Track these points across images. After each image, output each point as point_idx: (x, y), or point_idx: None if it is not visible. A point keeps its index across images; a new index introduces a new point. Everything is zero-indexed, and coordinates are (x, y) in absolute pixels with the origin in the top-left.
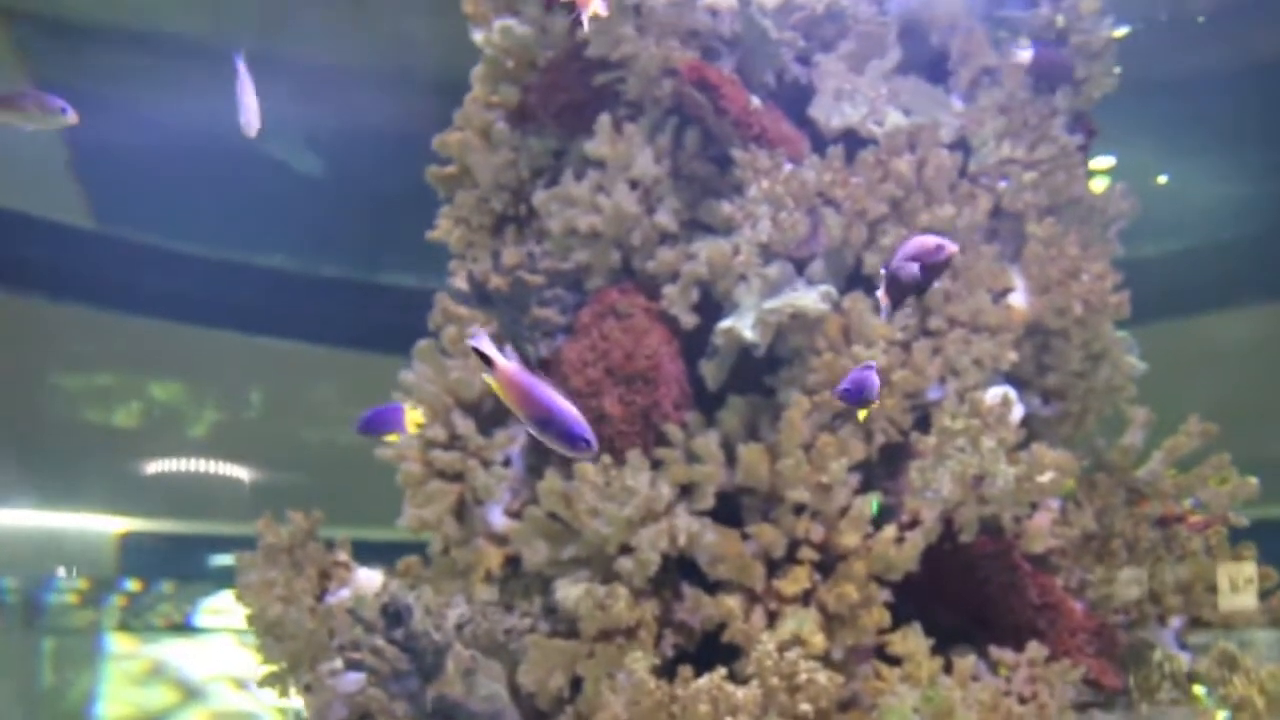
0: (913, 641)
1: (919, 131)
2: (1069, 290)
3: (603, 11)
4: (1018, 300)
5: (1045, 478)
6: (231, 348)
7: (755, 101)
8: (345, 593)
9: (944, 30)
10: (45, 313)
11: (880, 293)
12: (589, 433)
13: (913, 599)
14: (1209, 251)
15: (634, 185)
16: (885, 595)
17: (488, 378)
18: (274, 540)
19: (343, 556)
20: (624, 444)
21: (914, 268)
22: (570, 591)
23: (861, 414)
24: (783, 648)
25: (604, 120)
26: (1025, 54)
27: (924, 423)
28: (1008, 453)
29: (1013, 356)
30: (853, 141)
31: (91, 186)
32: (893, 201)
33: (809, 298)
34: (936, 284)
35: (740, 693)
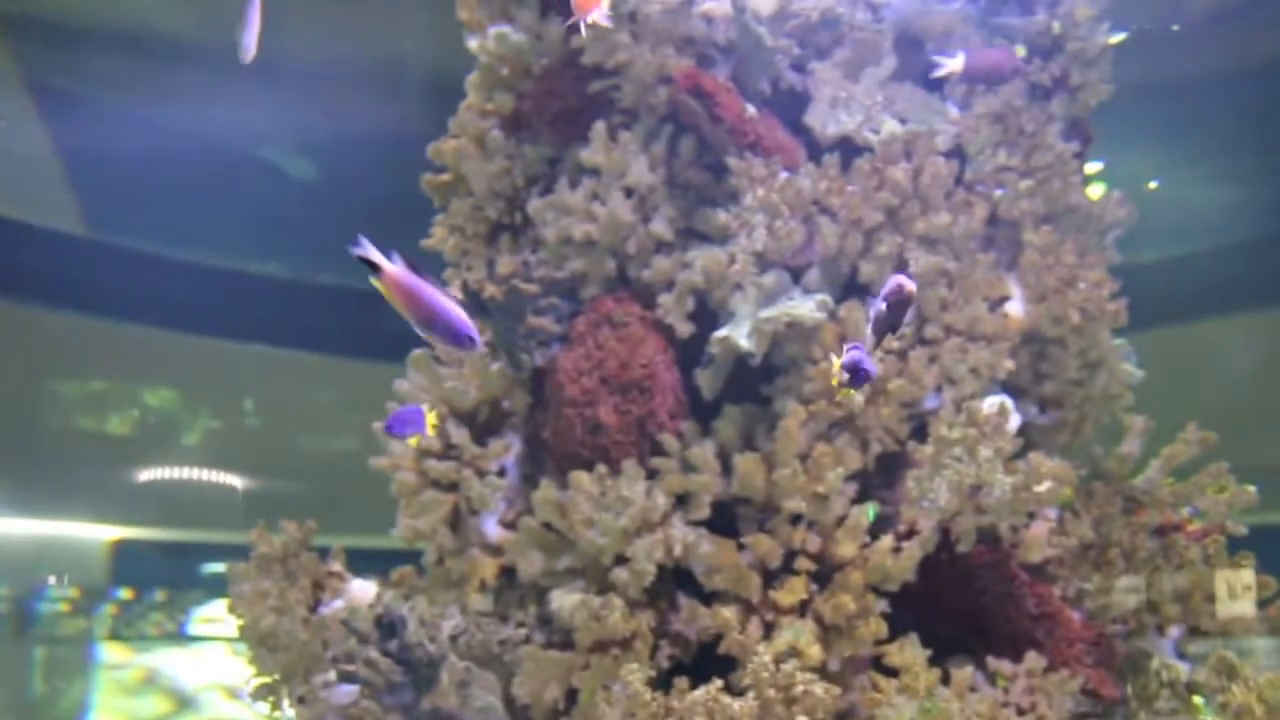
0: (910, 652)
1: (915, 139)
2: (1066, 298)
3: (603, 20)
4: (1014, 308)
5: (1042, 487)
6: (225, 356)
7: (751, 109)
8: (339, 603)
9: (939, 38)
10: (38, 320)
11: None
12: (473, 330)
13: (910, 609)
14: (1203, 257)
15: (629, 193)
16: (882, 606)
17: (374, 280)
18: (267, 550)
19: (336, 567)
20: (619, 453)
21: (881, 305)
22: (565, 602)
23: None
24: (779, 659)
25: (599, 128)
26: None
27: (921, 432)
28: (1005, 462)
29: (1009, 365)
30: (848, 149)
31: (84, 193)
32: (889, 210)
33: (805, 306)
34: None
35: (736, 704)
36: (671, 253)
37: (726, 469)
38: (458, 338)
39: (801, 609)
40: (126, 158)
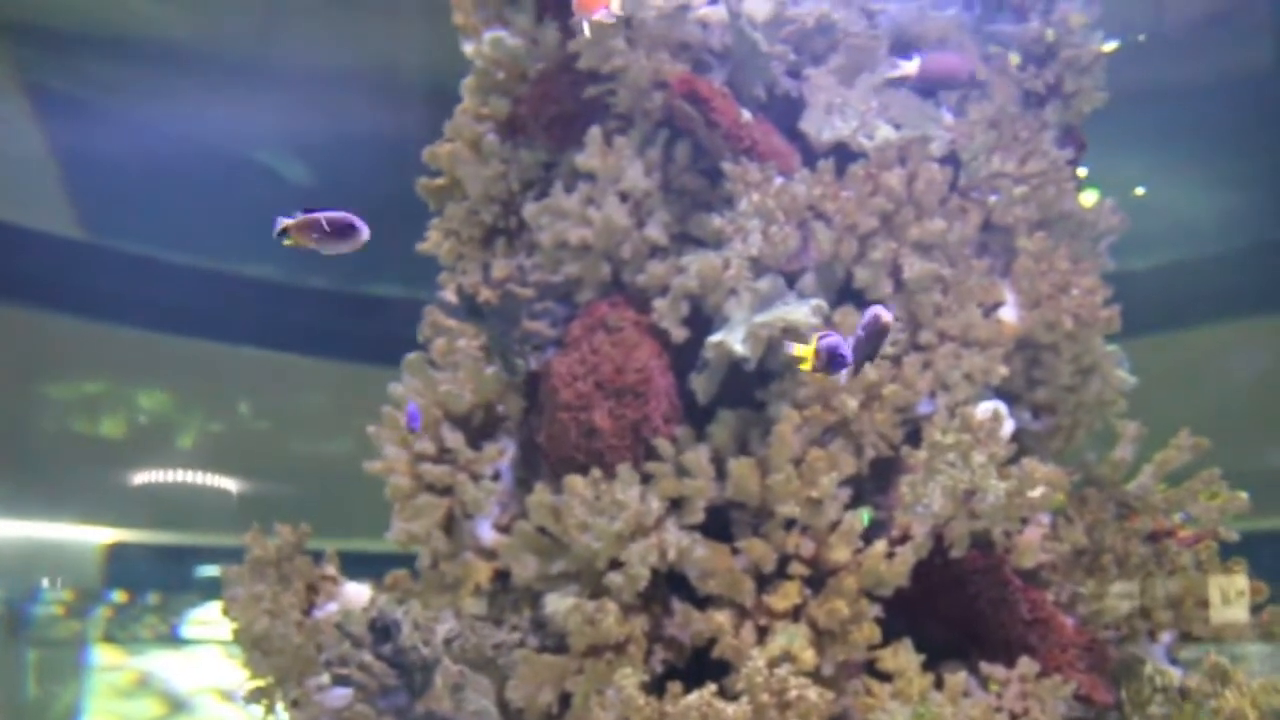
0: (903, 657)
1: (909, 145)
2: (1059, 304)
3: (608, 20)
4: (1008, 314)
5: (1036, 492)
6: (219, 359)
7: (746, 115)
8: (333, 607)
9: (934, 45)
10: (31, 322)
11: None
12: (355, 218)
13: (903, 614)
14: (1190, 265)
15: (624, 198)
16: (876, 611)
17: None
18: (261, 554)
19: (330, 570)
20: (614, 458)
21: (860, 334)
22: (559, 606)
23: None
24: (773, 663)
25: (594, 133)
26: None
27: (914, 437)
28: (998, 467)
29: (1003, 371)
30: (843, 155)
31: (79, 196)
32: (883, 215)
33: (800, 311)
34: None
35: (730, 709)
36: (666, 257)
37: (721, 473)
38: (349, 228)
39: (795, 614)
40: (121, 160)
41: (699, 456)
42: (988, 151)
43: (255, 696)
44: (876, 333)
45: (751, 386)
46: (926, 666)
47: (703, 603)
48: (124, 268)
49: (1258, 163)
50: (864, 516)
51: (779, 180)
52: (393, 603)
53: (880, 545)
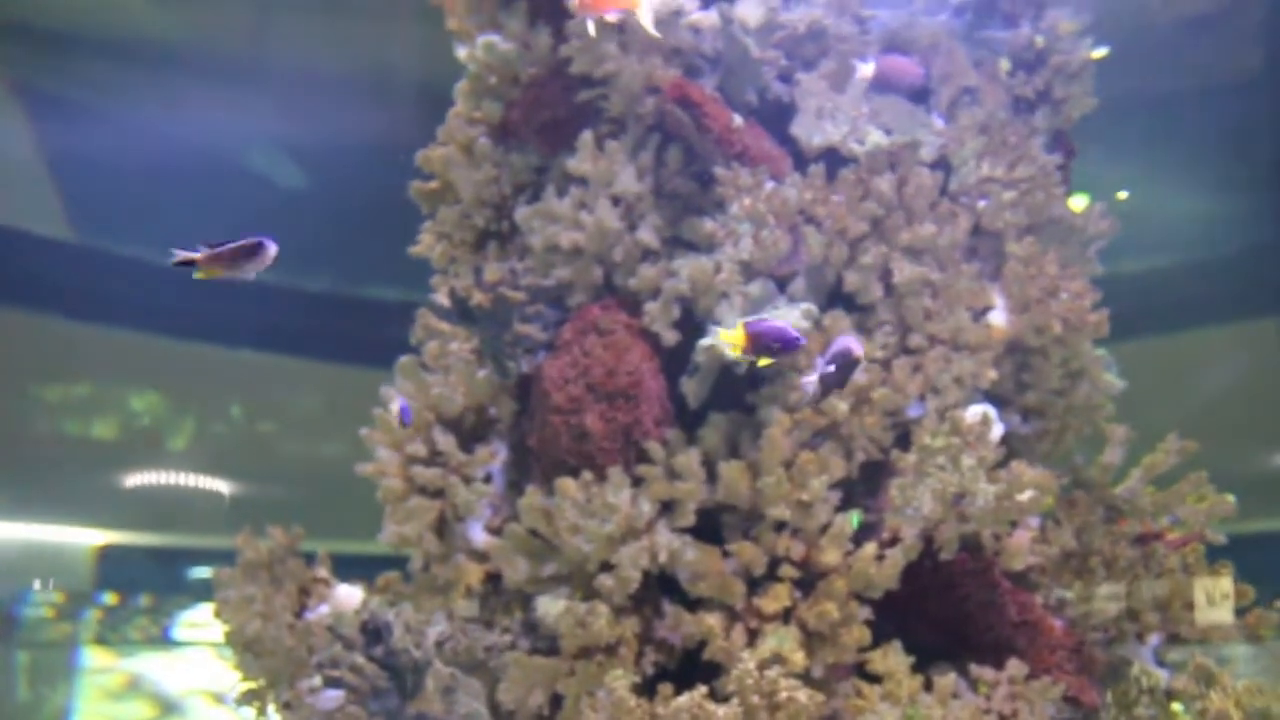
0: (893, 659)
1: (900, 150)
2: (1048, 309)
3: (646, 22)
4: (997, 318)
5: (1025, 496)
6: (211, 360)
7: (737, 119)
8: (324, 609)
9: (925, 50)
10: (22, 324)
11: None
12: (265, 237)
13: (893, 617)
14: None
15: (616, 202)
16: (866, 613)
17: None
18: (253, 556)
19: (322, 573)
20: (605, 460)
21: (833, 364)
22: (551, 608)
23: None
24: (763, 665)
25: (586, 137)
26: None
27: (904, 440)
28: (988, 471)
29: (992, 374)
30: (834, 160)
31: (70, 197)
32: (874, 220)
33: (791, 315)
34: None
35: (721, 711)
36: (658, 261)
37: (712, 476)
38: (258, 251)
39: (785, 616)
40: (112, 162)
41: (690, 459)
42: (977, 157)
43: (247, 699)
44: (845, 365)
45: (742, 390)
46: (916, 668)
47: (693, 605)
48: (115, 269)
49: (1243, 168)
50: (854, 519)
51: (770, 185)
52: (384, 605)
53: (870, 548)
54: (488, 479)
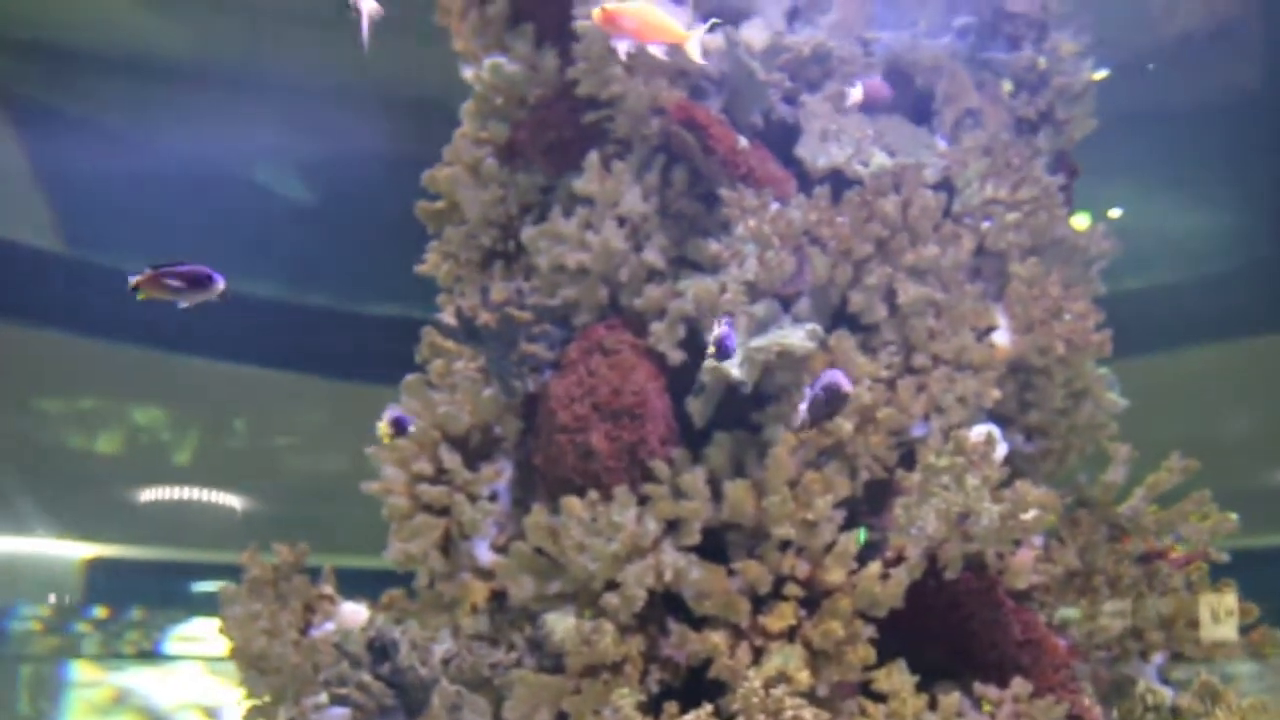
0: (898, 678)
1: (904, 172)
2: (1051, 329)
3: (694, 52)
4: (1001, 339)
5: (1028, 515)
6: (212, 375)
7: (743, 141)
8: (330, 626)
9: (928, 72)
10: (22, 338)
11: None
12: (210, 270)
13: (897, 635)
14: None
15: (622, 222)
16: (870, 631)
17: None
18: (259, 573)
19: (328, 589)
20: (610, 479)
21: (821, 396)
22: (556, 626)
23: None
24: (768, 684)
25: (593, 158)
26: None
27: (909, 460)
28: (992, 490)
29: (996, 394)
30: (839, 181)
31: (62, 210)
32: (878, 241)
33: (796, 336)
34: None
35: None
36: (664, 281)
37: (717, 495)
38: (204, 279)
39: (790, 634)
40: (106, 175)
41: (695, 478)
42: (981, 178)
43: (252, 715)
44: (832, 399)
45: (747, 409)
46: (920, 687)
47: (699, 623)
48: (111, 283)
49: (1244, 185)
50: (859, 538)
51: (775, 206)
52: (390, 622)
53: (875, 567)
54: (493, 497)
